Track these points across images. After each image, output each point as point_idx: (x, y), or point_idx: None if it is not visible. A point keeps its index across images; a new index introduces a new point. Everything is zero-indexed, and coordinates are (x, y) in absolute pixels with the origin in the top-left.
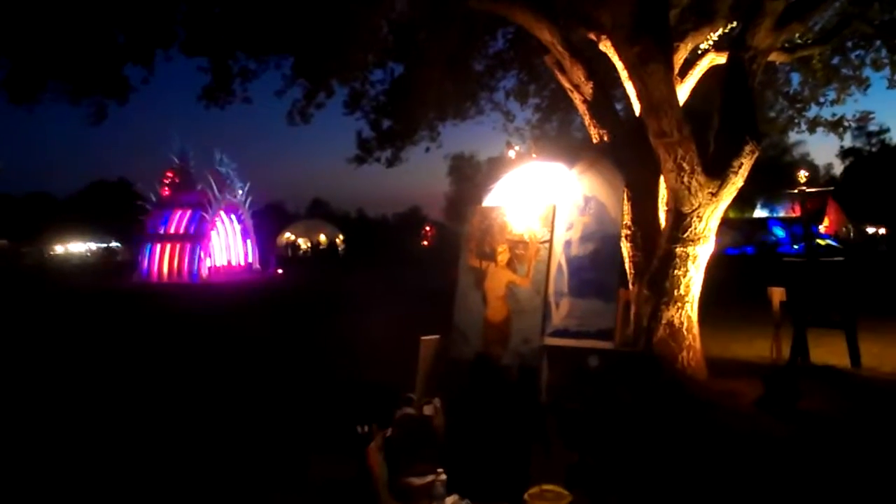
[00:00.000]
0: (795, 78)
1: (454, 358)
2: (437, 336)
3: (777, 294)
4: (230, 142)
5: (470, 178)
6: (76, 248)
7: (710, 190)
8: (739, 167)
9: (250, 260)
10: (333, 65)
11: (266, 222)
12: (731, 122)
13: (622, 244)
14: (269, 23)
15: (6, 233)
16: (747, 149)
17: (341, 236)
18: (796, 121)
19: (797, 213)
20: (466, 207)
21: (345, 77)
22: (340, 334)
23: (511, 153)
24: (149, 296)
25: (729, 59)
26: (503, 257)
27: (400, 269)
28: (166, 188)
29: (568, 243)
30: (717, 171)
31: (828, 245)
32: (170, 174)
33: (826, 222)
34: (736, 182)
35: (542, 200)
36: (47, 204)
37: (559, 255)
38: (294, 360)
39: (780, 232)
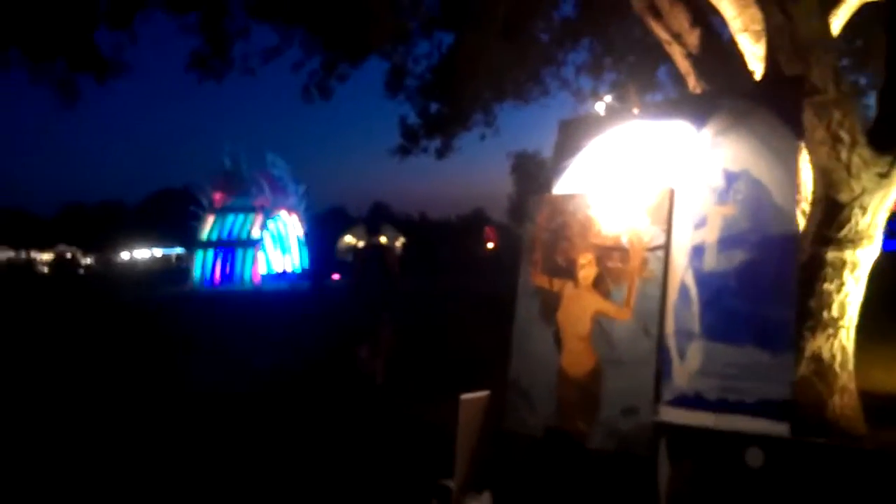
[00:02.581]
0: None
1: (512, 430)
2: (484, 393)
3: None
4: (293, 146)
5: (534, 176)
6: (141, 254)
7: (878, 170)
8: None
9: (306, 265)
10: (364, 31)
11: (328, 226)
12: None
13: None
14: None
15: (78, 241)
16: None
17: (402, 239)
18: None
19: None
20: (529, 201)
21: (379, 40)
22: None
23: (598, 107)
24: (191, 304)
25: None
26: (587, 273)
27: (456, 276)
28: (219, 193)
29: (698, 250)
30: (889, 143)
31: None
32: (222, 179)
33: None
34: None
35: (651, 181)
36: (118, 212)
37: (683, 271)
38: (310, 412)
39: None
